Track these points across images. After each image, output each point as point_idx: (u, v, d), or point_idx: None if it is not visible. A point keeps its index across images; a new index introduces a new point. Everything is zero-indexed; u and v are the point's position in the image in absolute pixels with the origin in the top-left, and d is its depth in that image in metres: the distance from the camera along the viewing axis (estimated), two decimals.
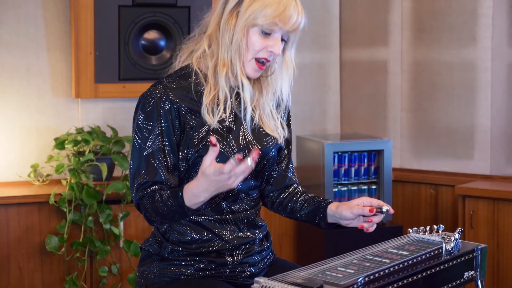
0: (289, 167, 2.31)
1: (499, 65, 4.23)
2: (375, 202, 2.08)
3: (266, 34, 2.06)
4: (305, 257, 4.37)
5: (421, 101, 4.50)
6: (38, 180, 3.99)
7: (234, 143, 2.10)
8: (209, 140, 1.88)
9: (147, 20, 4.03)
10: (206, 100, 2.08)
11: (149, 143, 2.05)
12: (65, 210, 3.75)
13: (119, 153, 3.91)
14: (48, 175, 4.00)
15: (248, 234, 2.18)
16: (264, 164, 2.19)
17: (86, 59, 3.97)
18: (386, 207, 2.05)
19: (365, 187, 4.30)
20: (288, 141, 2.29)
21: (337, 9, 4.70)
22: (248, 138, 2.14)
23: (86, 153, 3.83)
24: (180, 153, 2.08)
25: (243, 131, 2.14)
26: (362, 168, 4.29)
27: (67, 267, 3.81)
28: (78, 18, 3.92)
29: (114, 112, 4.16)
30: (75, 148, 3.87)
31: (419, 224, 4.47)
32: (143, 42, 4.07)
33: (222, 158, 2.06)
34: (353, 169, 4.27)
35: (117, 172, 4.03)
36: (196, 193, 1.94)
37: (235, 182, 1.88)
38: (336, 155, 4.21)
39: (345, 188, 4.26)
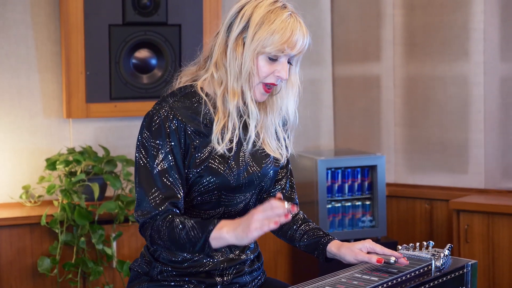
0: (287, 187, 2.28)
1: (492, 79, 4.22)
2: (379, 248, 2.03)
3: (272, 60, 2.04)
4: (300, 275, 4.34)
5: (414, 116, 4.49)
6: (30, 202, 3.97)
7: (234, 165, 2.09)
8: (290, 209, 1.83)
9: (138, 39, 4.02)
10: (216, 128, 2.06)
11: (157, 161, 2.01)
12: (57, 231, 3.73)
13: (111, 173, 3.89)
14: (39, 196, 3.98)
15: (239, 255, 2.16)
16: (263, 186, 2.17)
17: (77, 79, 3.96)
18: (393, 258, 1.98)
19: (359, 203, 4.28)
20: (287, 161, 2.27)
21: (329, 26, 4.69)
22: (247, 160, 2.12)
23: (78, 173, 3.81)
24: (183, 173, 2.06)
25: (243, 152, 2.12)
26: (356, 184, 4.27)
27: None
28: (69, 38, 3.92)
29: (106, 131, 4.15)
30: (66, 168, 3.85)
31: (414, 240, 4.45)
32: (134, 61, 4.06)
33: (221, 179, 2.05)
34: (346, 185, 4.25)
35: (109, 192, 4.01)
36: (224, 237, 1.89)
37: (257, 229, 1.81)
38: (329, 171, 4.19)
39: (339, 205, 4.24)
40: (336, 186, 4.23)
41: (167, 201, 2.00)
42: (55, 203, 3.83)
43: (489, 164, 4.26)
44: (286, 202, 1.81)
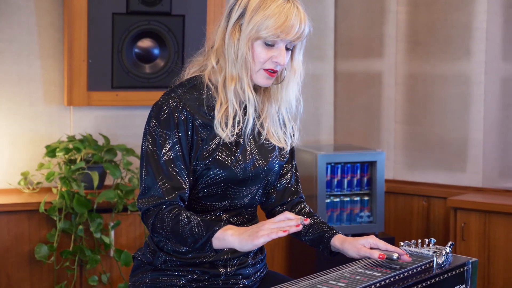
0: (292, 181, 2.29)
1: (493, 78, 4.23)
2: (382, 244, 2.03)
3: (269, 45, 2.04)
4: (297, 268, 4.35)
5: (414, 113, 4.50)
6: (28, 188, 3.97)
7: (241, 158, 2.09)
8: (303, 221, 1.86)
9: (141, 28, 4.01)
10: (218, 114, 2.06)
11: (165, 151, 2.01)
12: (55, 218, 3.72)
13: (111, 162, 3.88)
14: (38, 183, 3.98)
15: None
16: (268, 180, 2.18)
17: (79, 67, 3.95)
18: (396, 255, 1.98)
19: (358, 198, 4.29)
20: (292, 154, 2.28)
21: (332, 21, 4.69)
22: (254, 153, 2.13)
23: (78, 161, 3.80)
24: (190, 164, 2.06)
25: (250, 146, 2.13)
26: (355, 180, 4.28)
27: (56, 276, 3.78)
28: (72, 25, 3.91)
29: (107, 120, 4.14)
30: (66, 156, 3.85)
31: (411, 236, 4.46)
32: (136, 50, 4.05)
33: (228, 171, 2.06)
34: (345, 180, 4.26)
35: (109, 180, 4.01)
36: (227, 240, 1.90)
37: (265, 236, 1.83)
38: (329, 166, 4.20)
39: (338, 199, 4.25)
40: (335, 181, 4.24)
41: (175, 191, 2.01)
42: (54, 190, 3.83)
43: (487, 164, 4.27)
44: (300, 217, 1.84)
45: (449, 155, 4.38)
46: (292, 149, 2.28)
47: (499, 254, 3.98)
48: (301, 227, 1.83)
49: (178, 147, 2.02)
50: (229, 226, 1.92)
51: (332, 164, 4.22)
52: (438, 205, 4.38)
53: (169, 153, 2.02)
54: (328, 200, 4.21)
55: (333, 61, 4.73)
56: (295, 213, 2.26)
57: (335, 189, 4.24)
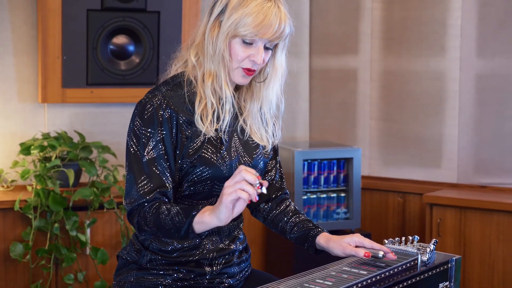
0: (276, 177, 2.29)
1: (467, 75, 4.27)
2: (368, 243, 2.03)
3: (247, 43, 2.03)
4: (273, 264, 4.36)
5: (390, 110, 4.52)
6: (3, 186, 3.92)
7: (227, 155, 2.09)
8: (261, 182, 1.84)
9: (116, 24, 3.98)
10: (198, 109, 2.05)
11: (148, 150, 2.01)
12: (30, 216, 3.68)
13: (86, 159, 3.85)
14: (13, 181, 3.93)
15: (229, 245, 2.17)
16: None
17: (53, 64, 3.91)
18: (381, 253, 1.98)
19: (334, 195, 4.30)
20: (275, 151, 2.28)
21: (307, 18, 4.70)
22: (239, 150, 2.13)
23: (53, 159, 3.77)
24: (174, 163, 2.05)
25: (235, 143, 2.13)
26: (332, 176, 4.29)
27: (32, 275, 3.75)
28: (46, 22, 3.86)
29: (82, 117, 4.11)
30: (41, 153, 3.81)
31: (386, 232, 4.48)
32: (111, 47, 4.02)
33: (214, 169, 2.06)
34: (322, 177, 4.27)
35: (84, 178, 3.97)
36: (206, 221, 1.89)
37: (230, 194, 1.81)
38: (305, 162, 4.21)
39: (314, 196, 4.26)
40: (312, 177, 4.25)
41: (156, 190, 2.00)
42: (29, 188, 3.79)
43: (462, 160, 4.31)
44: (259, 180, 1.82)
45: (424, 151, 4.41)
46: (275, 146, 2.27)
47: (474, 249, 4.02)
48: (263, 190, 1.80)
49: (161, 145, 2.01)
50: (206, 207, 1.91)
51: (309, 161, 4.23)
52: (414, 201, 4.41)
53: (152, 152, 2.01)
54: (305, 197, 4.22)
55: (308, 58, 4.73)
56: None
57: (312, 186, 4.25)
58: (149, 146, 2.01)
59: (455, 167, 4.32)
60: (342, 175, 4.31)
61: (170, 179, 2.03)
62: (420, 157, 4.43)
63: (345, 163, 4.31)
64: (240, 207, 1.84)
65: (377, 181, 4.54)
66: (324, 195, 4.29)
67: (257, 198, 1.81)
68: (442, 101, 4.33)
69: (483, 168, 4.29)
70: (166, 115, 2.02)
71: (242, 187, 1.80)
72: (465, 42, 4.25)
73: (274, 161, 2.28)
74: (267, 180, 2.27)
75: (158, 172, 2.01)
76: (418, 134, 4.43)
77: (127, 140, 2.06)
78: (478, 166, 4.30)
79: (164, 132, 2.02)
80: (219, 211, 1.84)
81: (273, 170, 2.28)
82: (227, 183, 1.83)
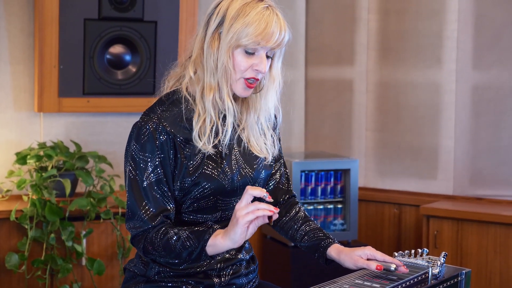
0: (282, 179, 2.28)
1: (463, 87, 4.28)
2: (379, 256, 2.03)
3: (250, 53, 2.02)
4: (270, 273, 4.33)
5: (385, 121, 4.53)
6: None
7: (228, 169, 2.08)
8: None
9: (113, 34, 3.96)
10: (196, 126, 2.04)
11: (147, 174, 2.00)
12: (26, 227, 3.65)
13: (82, 169, 3.82)
14: (8, 191, 3.89)
15: (236, 254, 2.16)
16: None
17: (50, 73, 3.89)
18: (394, 266, 1.98)
19: (331, 206, 4.29)
20: (280, 154, 2.27)
21: (303, 28, 4.70)
22: (239, 162, 2.12)
23: (49, 168, 3.74)
24: (174, 183, 2.04)
25: (235, 155, 2.12)
26: (329, 187, 4.29)
27: (27, 285, 3.71)
28: (43, 31, 3.84)
29: (78, 127, 4.08)
30: (37, 163, 3.78)
31: (382, 244, 4.48)
32: (108, 56, 4.00)
33: (216, 184, 2.04)
34: (319, 188, 4.27)
35: (81, 188, 3.95)
36: (219, 243, 1.92)
37: (246, 215, 1.84)
38: (303, 173, 4.20)
39: (312, 207, 4.25)
40: (309, 188, 4.24)
41: (159, 214, 2.01)
42: (25, 198, 3.76)
43: (458, 171, 4.32)
44: (269, 207, 1.85)
45: (420, 163, 4.41)
46: (278, 148, 2.26)
47: (471, 261, 4.02)
48: (276, 215, 1.85)
49: (160, 169, 2.01)
50: (218, 231, 1.94)
51: (306, 172, 4.22)
52: (410, 213, 4.41)
53: (151, 177, 2.01)
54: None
55: (304, 68, 4.73)
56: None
57: (309, 197, 4.24)
58: (147, 170, 2.01)
59: (451, 178, 4.33)
60: (339, 186, 4.31)
61: (171, 201, 2.03)
62: (416, 169, 4.43)
63: (342, 174, 4.30)
64: (254, 228, 1.87)
65: (373, 192, 4.54)
66: (321, 206, 4.28)
67: (275, 211, 1.82)
68: (438, 113, 4.34)
69: (479, 180, 4.30)
70: (163, 138, 2.01)
71: (257, 207, 1.82)
72: (461, 54, 4.27)
73: (278, 163, 2.27)
74: (273, 184, 2.27)
75: (158, 196, 2.01)
76: (414, 145, 4.43)
77: (125, 163, 2.05)
78: (474, 178, 4.31)
79: (162, 156, 2.01)
80: (234, 233, 1.86)
81: (278, 173, 2.28)
82: (237, 206, 1.86)
